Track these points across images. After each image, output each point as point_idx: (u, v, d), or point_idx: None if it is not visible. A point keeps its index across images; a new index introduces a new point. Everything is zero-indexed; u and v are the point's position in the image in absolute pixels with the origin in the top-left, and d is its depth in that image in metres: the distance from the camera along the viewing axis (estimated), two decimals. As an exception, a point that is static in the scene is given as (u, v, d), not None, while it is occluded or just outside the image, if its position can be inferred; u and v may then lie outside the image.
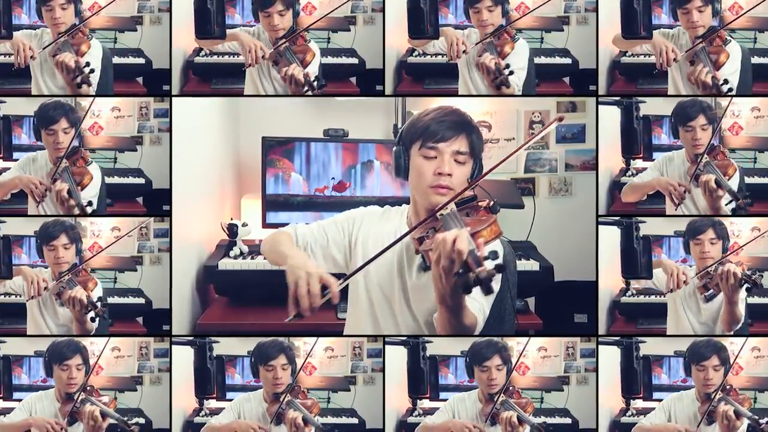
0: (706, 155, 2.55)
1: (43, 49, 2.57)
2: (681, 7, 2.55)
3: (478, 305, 1.96)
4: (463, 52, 2.59)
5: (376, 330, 2.16)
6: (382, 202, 2.25)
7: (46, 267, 2.59)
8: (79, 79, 2.52)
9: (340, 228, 2.23)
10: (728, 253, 2.56)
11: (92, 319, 2.54)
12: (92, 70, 2.54)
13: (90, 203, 2.57)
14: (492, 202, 1.94)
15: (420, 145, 2.07)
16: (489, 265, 1.67)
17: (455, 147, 2.05)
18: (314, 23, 2.61)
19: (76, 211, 2.56)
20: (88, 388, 2.56)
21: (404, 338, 2.56)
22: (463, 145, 2.05)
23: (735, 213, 2.54)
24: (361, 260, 2.15)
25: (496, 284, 2.04)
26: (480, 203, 1.95)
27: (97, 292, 2.58)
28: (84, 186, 2.57)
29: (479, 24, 2.59)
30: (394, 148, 2.14)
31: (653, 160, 2.66)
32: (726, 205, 2.52)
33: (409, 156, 2.10)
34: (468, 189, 2.01)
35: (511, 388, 2.53)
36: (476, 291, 1.85)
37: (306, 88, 2.53)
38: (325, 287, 1.87)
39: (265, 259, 2.25)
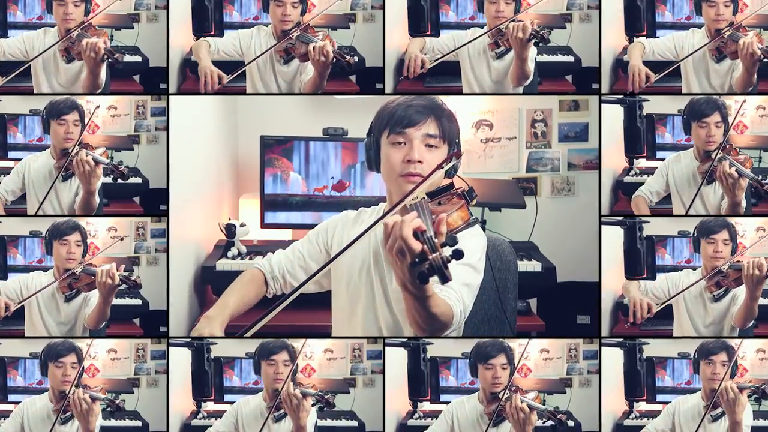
0: (719, 152, 2.53)
1: (53, 45, 2.55)
2: (708, 1, 2.54)
3: (454, 294, 1.87)
4: (422, 68, 2.58)
5: (355, 332, 2.12)
6: (382, 201, 2.22)
7: (45, 270, 2.57)
8: (110, 60, 2.50)
9: (315, 243, 2.20)
10: (744, 248, 2.56)
11: (110, 65, 2.53)
12: (124, 52, 2.53)
13: (121, 162, 2.56)
14: (469, 188, 1.85)
15: (388, 133, 2.01)
16: (446, 251, 1.56)
17: (424, 131, 1.98)
18: (313, 18, 2.59)
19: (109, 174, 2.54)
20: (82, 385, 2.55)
21: (404, 340, 2.54)
22: (432, 128, 1.99)
23: (761, 198, 2.52)
24: (340, 267, 2.12)
25: (473, 272, 1.97)
26: (456, 190, 1.86)
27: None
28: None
29: (494, 15, 2.56)
30: (365, 140, 2.09)
31: (657, 159, 2.64)
32: (754, 189, 2.49)
33: (380, 146, 2.04)
34: (432, 174, 1.89)
35: (514, 387, 2.51)
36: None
37: (335, 61, 2.48)
38: None
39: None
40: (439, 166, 1.89)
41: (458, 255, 1.55)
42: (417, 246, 1.57)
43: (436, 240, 1.58)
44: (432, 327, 1.78)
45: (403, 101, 2.03)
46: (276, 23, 2.56)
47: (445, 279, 1.55)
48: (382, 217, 1.86)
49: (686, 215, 2.57)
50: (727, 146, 2.53)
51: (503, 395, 2.48)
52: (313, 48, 2.47)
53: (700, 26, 2.59)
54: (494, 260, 2.32)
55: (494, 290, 2.31)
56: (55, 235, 2.54)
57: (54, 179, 2.56)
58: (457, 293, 1.88)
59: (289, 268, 2.20)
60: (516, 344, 2.55)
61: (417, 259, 1.56)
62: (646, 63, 2.60)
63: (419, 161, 1.97)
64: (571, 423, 2.55)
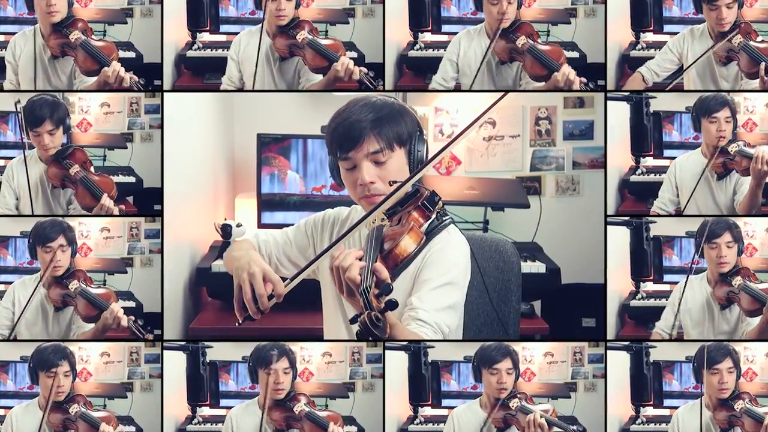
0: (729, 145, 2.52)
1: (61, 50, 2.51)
2: (710, 3, 2.48)
3: (430, 328, 1.83)
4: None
5: (344, 335, 2.08)
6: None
7: (33, 272, 2.52)
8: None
9: (304, 233, 2.14)
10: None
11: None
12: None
13: (150, 329, 2.53)
14: (429, 194, 1.82)
15: (337, 156, 1.94)
16: (381, 301, 1.60)
17: (366, 150, 1.89)
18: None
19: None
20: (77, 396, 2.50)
21: (405, 343, 2.51)
22: (373, 144, 1.89)
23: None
24: (327, 273, 2.07)
25: (452, 289, 1.92)
26: (417, 200, 1.82)
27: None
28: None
29: (497, 16, 2.50)
30: (328, 158, 2.02)
31: (664, 157, 2.61)
32: None
33: (338, 166, 1.97)
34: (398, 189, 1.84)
35: (520, 394, 2.47)
36: (424, 312, 1.83)
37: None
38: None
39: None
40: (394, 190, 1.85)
41: (391, 306, 1.59)
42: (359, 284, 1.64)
43: (372, 290, 1.62)
44: None
45: (340, 120, 1.93)
46: (270, 19, 2.51)
47: (378, 338, 1.60)
48: (346, 233, 1.85)
49: (694, 215, 2.54)
50: (739, 140, 2.51)
51: (515, 405, 2.44)
52: (341, 66, 2.41)
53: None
54: (497, 262, 2.29)
55: (493, 293, 2.27)
56: (38, 240, 2.48)
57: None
58: (434, 326, 1.84)
59: (276, 253, 2.12)
60: (519, 347, 2.52)
61: (354, 316, 1.63)
62: (646, 59, 2.57)
63: (371, 182, 1.90)
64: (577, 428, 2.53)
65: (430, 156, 1.94)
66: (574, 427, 2.47)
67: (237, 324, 1.82)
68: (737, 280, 2.46)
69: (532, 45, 2.47)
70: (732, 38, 2.48)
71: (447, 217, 1.89)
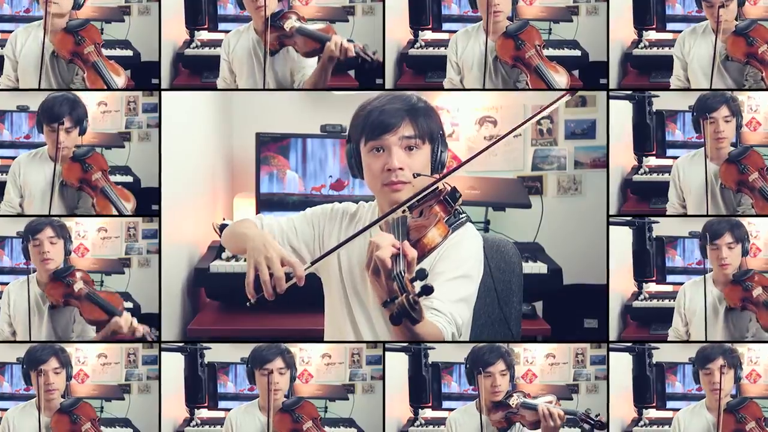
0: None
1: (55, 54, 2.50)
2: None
3: (445, 318, 1.84)
4: None
5: (349, 336, 2.07)
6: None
7: (31, 272, 2.50)
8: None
9: (310, 223, 2.12)
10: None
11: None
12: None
13: None
14: (450, 189, 1.83)
15: (365, 140, 1.95)
16: (416, 287, 1.59)
17: (401, 134, 1.92)
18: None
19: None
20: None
21: (405, 344, 2.50)
22: (408, 129, 1.92)
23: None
24: (331, 267, 2.08)
25: (466, 282, 1.94)
26: (439, 195, 1.84)
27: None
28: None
29: (491, 10, 2.49)
30: (346, 147, 2.03)
31: (667, 156, 2.59)
32: None
33: (360, 154, 1.98)
34: (434, 185, 1.85)
35: (517, 392, 2.44)
36: (439, 302, 1.82)
37: (360, 61, 2.38)
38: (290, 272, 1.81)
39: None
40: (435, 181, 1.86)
41: (427, 291, 1.58)
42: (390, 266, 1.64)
43: (406, 275, 1.62)
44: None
45: (376, 105, 1.96)
46: (253, 14, 2.48)
47: (414, 321, 1.60)
48: (369, 227, 1.87)
49: (697, 215, 2.52)
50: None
51: (515, 402, 2.41)
52: (334, 45, 2.33)
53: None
54: (498, 262, 2.27)
55: (497, 293, 2.26)
56: (27, 235, 2.46)
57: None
58: (449, 315, 1.85)
59: (279, 237, 2.10)
60: (521, 348, 2.51)
61: (388, 299, 1.62)
62: (649, 57, 2.57)
63: (400, 168, 1.91)
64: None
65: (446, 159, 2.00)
66: (589, 410, 2.43)
67: (248, 304, 1.82)
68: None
69: None
70: (760, 49, 2.46)
71: (463, 215, 1.89)
